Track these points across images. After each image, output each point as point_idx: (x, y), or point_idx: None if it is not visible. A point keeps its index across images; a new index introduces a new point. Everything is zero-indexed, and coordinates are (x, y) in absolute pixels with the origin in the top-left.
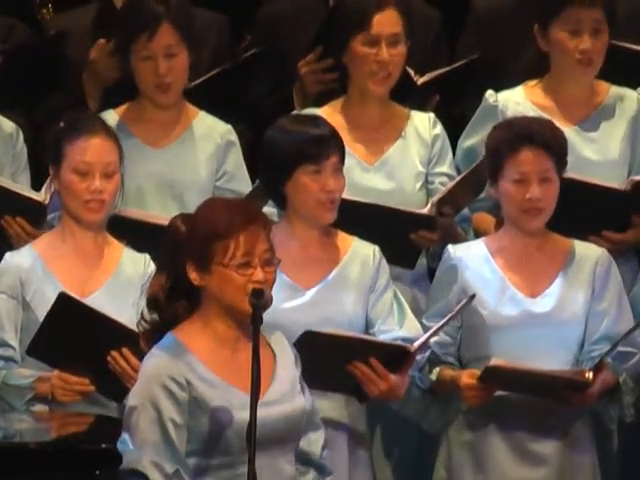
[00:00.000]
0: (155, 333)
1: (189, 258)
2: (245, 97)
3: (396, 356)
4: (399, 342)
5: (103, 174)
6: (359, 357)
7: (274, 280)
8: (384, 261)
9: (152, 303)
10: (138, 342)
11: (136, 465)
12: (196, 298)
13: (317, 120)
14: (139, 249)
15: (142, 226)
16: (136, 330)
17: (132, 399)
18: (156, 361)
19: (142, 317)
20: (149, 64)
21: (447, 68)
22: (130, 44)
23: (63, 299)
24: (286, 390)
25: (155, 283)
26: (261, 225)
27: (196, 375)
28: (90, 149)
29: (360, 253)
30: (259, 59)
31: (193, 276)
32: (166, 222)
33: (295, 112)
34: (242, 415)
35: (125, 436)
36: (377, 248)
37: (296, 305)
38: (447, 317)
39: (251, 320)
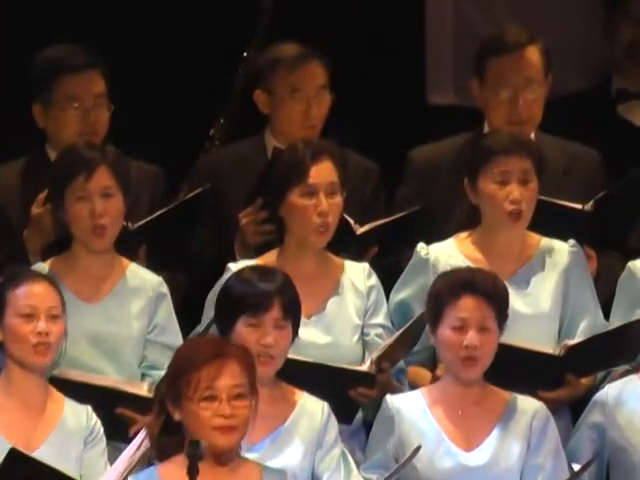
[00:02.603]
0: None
1: (167, 395)
2: (186, 246)
3: None
4: None
5: (48, 316)
6: None
7: (247, 416)
8: (333, 417)
9: (150, 441)
10: None
11: None
12: (183, 434)
13: (269, 274)
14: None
15: (84, 387)
16: None
17: None
18: None
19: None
20: (85, 205)
21: (387, 219)
22: (66, 187)
23: (14, 455)
24: None
25: (151, 424)
26: (229, 360)
27: None
28: (34, 293)
29: (309, 409)
30: (201, 200)
31: (172, 411)
32: (106, 382)
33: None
34: None
35: None
36: (326, 405)
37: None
38: (394, 469)
39: (187, 470)
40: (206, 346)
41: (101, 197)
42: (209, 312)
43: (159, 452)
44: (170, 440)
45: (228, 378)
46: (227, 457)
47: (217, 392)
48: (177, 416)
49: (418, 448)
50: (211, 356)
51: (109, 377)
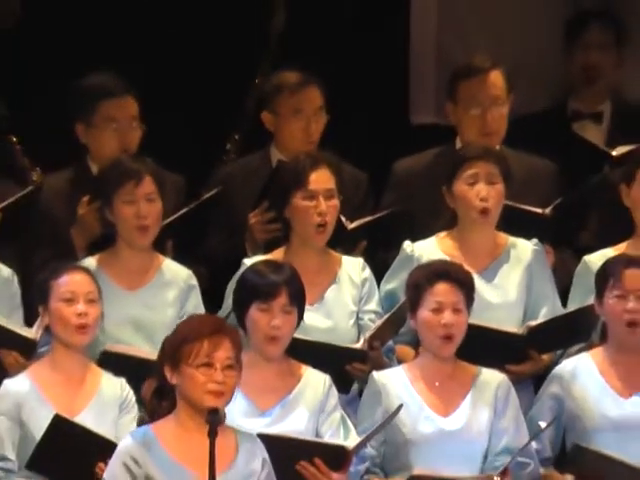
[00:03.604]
0: (144, 424)
1: (166, 360)
2: (204, 244)
3: (337, 456)
4: (339, 442)
5: (86, 300)
6: (305, 457)
7: (234, 386)
8: (333, 387)
9: (143, 404)
10: None
11: None
12: (173, 399)
13: (278, 267)
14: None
15: (130, 359)
16: (116, 443)
17: (105, 473)
18: (125, 443)
19: (140, 413)
20: (132, 208)
21: (374, 216)
22: (114, 192)
23: (57, 420)
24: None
25: (147, 388)
26: (225, 336)
27: (153, 456)
28: (73, 281)
29: (312, 381)
30: (219, 199)
31: (168, 375)
32: (150, 356)
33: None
34: None
35: None
36: (328, 377)
37: (258, 422)
38: (378, 425)
39: (208, 433)
40: (207, 322)
41: (146, 201)
42: (228, 300)
43: (151, 413)
44: (160, 403)
45: (223, 351)
46: None
47: (213, 361)
48: (174, 380)
49: (400, 407)
50: (212, 331)
51: (146, 351)
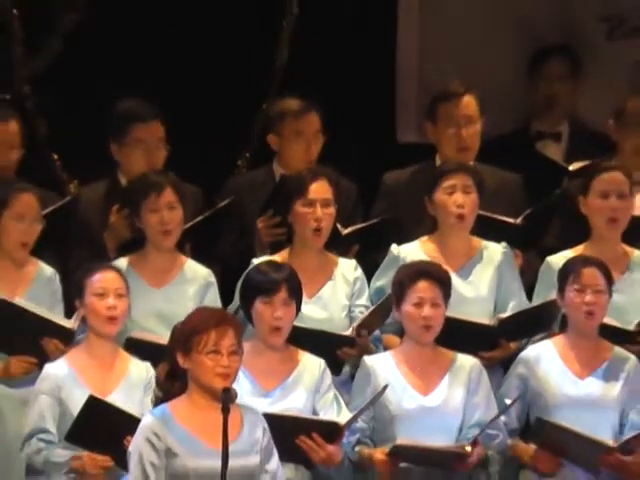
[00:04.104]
0: (159, 404)
1: (178, 347)
2: (218, 246)
3: (331, 431)
4: (332, 419)
5: (116, 295)
6: (304, 432)
7: (238, 368)
8: (327, 370)
9: (158, 384)
10: None
11: None
12: (185, 380)
13: (279, 266)
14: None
15: (149, 345)
16: (141, 419)
17: (130, 446)
18: (146, 420)
19: (154, 394)
20: (156, 215)
21: (365, 223)
22: (142, 202)
23: (92, 400)
24: (245, 449)
25: (160, 371)
26: (229, 326)
27: (171, 431)
28: (104, 278)
29: (309, 365)
30: (231, 208)
31: (181, 360)
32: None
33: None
34: (203, 461)
35: (127, 475)
36: (322, 361)
37: (262, 402)
38: (367, 402)
39: (222, 409)
40: (213, 314)
41: (168, 209)
42: (238, 295)
43: (165, 393)
44: (173, 384)
45: (228, 339)
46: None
47: (220, 348)
48: (186, 365)
49: (385, 387)
50: (218, 322)
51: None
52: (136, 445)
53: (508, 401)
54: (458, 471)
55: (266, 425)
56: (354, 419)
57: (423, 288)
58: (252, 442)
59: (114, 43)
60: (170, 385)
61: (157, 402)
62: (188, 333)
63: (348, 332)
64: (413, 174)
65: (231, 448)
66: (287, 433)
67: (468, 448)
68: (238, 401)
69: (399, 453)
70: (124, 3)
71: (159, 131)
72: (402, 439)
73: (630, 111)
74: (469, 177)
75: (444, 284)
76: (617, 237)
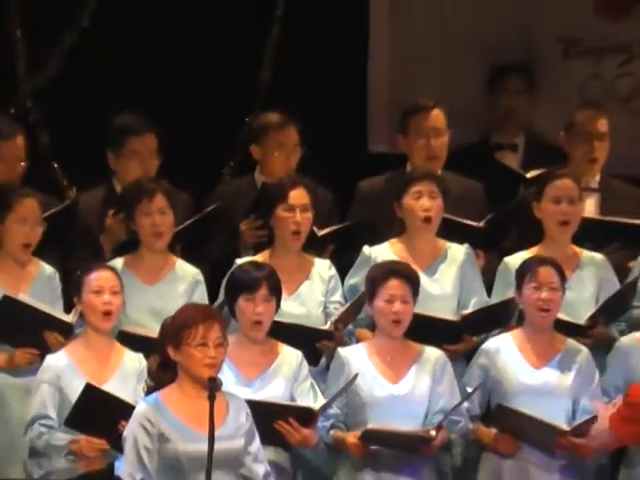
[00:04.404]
0: (151, 392)
1: (169, 341)
2: (208, 247)
3: (306, 416)
4: (307, 405)
5: (111, 292)
6: (282, 417)
7: (223, 359)
8: (305, 361)
9: (149, 374)
10: None
11: (119, 475)
12: (175, 371)
13: (260, 266)
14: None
15: (140, 338)
16: (135, 406)
17: (125, 431)
18: (140, 407)
19: (145, 383)
20: (149, 219)
21: (339, 226)
22: (135, 207)
23: (89, 388)
24: (231, 433)
25: (152, 362)
26: (215, 321)
27: (164, 417)
28: (101, 276)
29: (287, 356)
30: (217, 212)
31: (171, 353)
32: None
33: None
34: (193, 445)
35: (122, 457)
36: (300, 353)
37: (245, 390)
38: (339, 390)
39: (208, 397)
40: (200, 310)
41: (159, 214)
42: (223, 292)
43: (156, 383)
44: (164, 375)
45: (215, 333)
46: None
47: (207, 341)
48: (176, 357)
49: (356, 376)
50: (204, 317)
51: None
52: (131, 430)
53: (470, 389)
54: (424, 453)
55: (249, 410)
56: (327, 405)
57: (394, 286)
58: (237, 427)
59: (112, 60)
60: (162, 375)
61: (149, 391)
62: (178, 328)
63: (326, 326)
64: (386, 181)
65: (218, 433)
66: (267, 418)
67: (433, 432)
68: (223, 389)
69: (369, 437)
70: (120, 23)
71: (152, 143)
72: (372, 424)
73: (578, 123)
74: (435, 184)
75: (413, 282)
76: (568, 239)
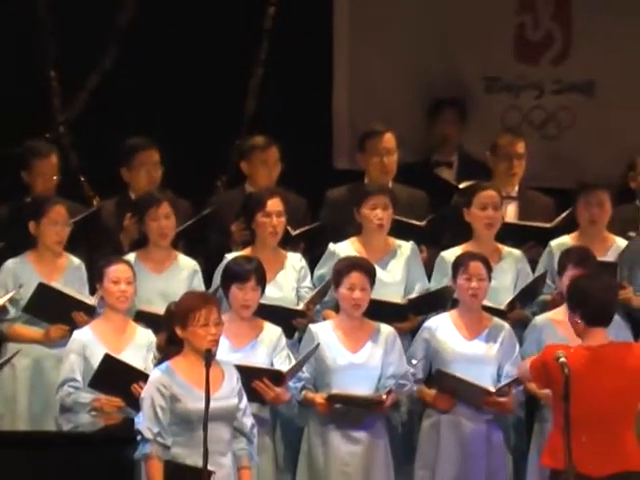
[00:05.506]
0: (161, 362)
1: (176, 322)
2: (205, 244)
3: (278, 377)
4: (278, 368)
5: (126, 282)
6: (258, 378)
7: (221, 334)
8: (283, 335)
9: (158, 348)
10: (147, 379)
11: (139, 428)
12: (181, 344)
13: (250, 259)
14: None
15: (155, 316)
16: (146, 372)
17: (143, 393)
18: (154, 374)
19: (154, 355)
20: (156, 223)
21: (309, 226)
22: (145, 212)
23: (107, 357)
24: (227, 394)
25: (160, 339)
26: (213, 305)
27: (174, 382)
28: (118, 269)
29: (270, 331)
30: (211, 215)
31: (179, 332)
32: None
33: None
34: (199, 404)
35: (140, 413)
36: (280, 329)
37: (235, 356)
38: (304, 356)
39: (205, 365)
40: (201, 297)
41: (164, 218)
42: (216, 280)
43: (164, 355)
44: (172, 348)
45: (214, 314)
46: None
47: (209, 322)
48: (183, 335)
49: (317, 345)
50: (205, 302)
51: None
52: (148, 392)
53: (414, 361)
54: (377, 412)
55: (239, 376)
56: (294, 368)
57: (355, 277)
58: (231, 388)
59: (127, 96)
60: (169, 349)
61: (158, 362)
62: (184, 312)
63: (299, 307)
64: (348, 191)
65: (217, 394)
66: (246, 378)
67: (384, 396)
68: (218, 358)
69: (333, 399)
70: (136, 66)
71: (155, 156)
72: (336, 390)
73: (501, 145)
74: (386, 197)
75: (371, 274)
76: (492, 238)
